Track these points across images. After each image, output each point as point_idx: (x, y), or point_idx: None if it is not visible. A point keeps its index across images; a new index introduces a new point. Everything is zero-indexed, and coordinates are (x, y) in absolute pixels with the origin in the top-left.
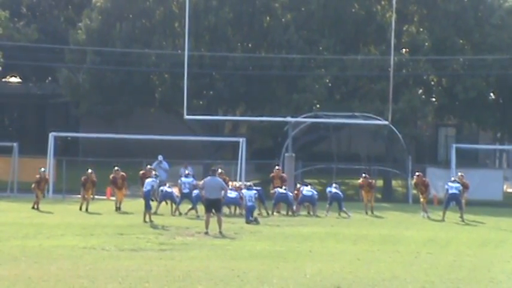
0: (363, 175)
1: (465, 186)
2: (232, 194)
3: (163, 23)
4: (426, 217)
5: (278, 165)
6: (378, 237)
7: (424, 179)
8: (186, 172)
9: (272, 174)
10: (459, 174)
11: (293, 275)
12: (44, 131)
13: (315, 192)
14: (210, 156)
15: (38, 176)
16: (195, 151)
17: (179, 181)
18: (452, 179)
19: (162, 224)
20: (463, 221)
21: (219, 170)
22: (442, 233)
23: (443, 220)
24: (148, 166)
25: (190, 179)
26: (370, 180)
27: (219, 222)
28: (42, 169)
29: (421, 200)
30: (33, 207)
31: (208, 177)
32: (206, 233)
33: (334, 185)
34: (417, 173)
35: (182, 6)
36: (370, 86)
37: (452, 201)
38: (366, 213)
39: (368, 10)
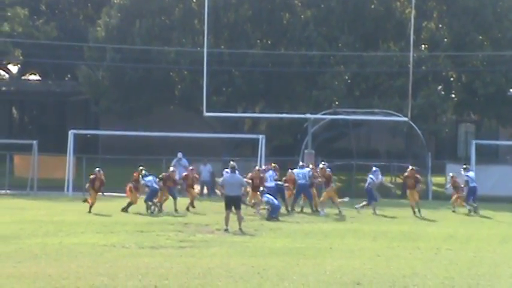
0: (410, 167)
1: (457, 186)
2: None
3: (183, 20)
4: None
5: (291, 169)
6: (398, 234)
7: (416, 174)
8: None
9: (285, 178)
10: (451, 174)
11: (313, 272)
12: (63, 128)
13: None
14: (229, 153)
15: (92, 176)
16: (215, 148)
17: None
18: (464, 166)
19: (182, 221)
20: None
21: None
22: (462, 229)
23: (475, 212)
24: (172, 168)
25: (150, 177)
26: (417, 175)
27: (239, 219)
28: (97, 169)
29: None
30: (85, 201)
31: (228, 174)
32: (226, 230)
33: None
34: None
35: (201, 3)
36: (390, 83)
37: (473, 194)
38: (414, 213)
39: (387, 6)
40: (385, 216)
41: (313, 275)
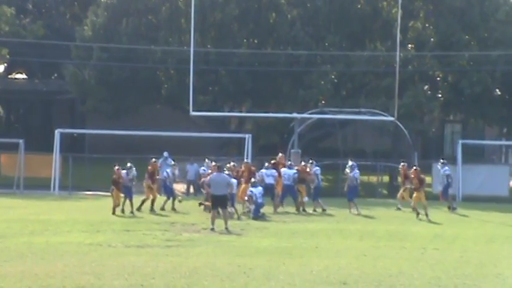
0: (414, 167)
1: (406, 177)
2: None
3: (169, 19)
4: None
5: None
6: (384, 233)
7: (421, 175)
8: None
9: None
10: (401, 164)
11: (299, 271)
12: (50, 127)
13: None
14: (216, 152)
15: (114, 176)
16: (201, 147)
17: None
18: (442, 161)
19: (168, 221)
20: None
21: (231, 163)
22: (449, 229)
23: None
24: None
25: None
26: (422, 176)
27: (225, 219)
28: (116, 167)
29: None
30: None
31: (214, 174)
32: (212, 229)
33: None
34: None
35: (188, 2)
36: (376, 82)
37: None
38: (417, 215)
39: (374, 6)
40: (371, 217)
41: (300, 274)
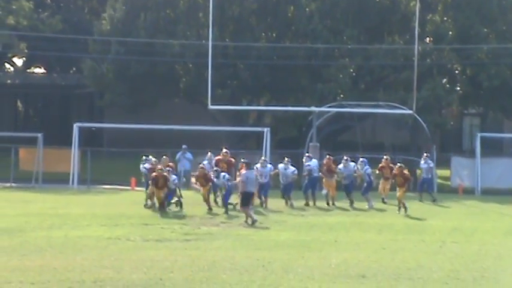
0: (398, 165)
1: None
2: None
3: (188, 12)
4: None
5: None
6: (402, 227)
7: (404, 171)
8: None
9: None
10: (384, 157)
11: (318, 265)
12: (68, 121)
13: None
14: (234, 146)
15: (154, 174)
16: (219, 141)
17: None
18: (426, 154)
19: (186, 214)
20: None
21: (224, 150)
22: (467, 222)
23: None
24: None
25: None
26: (405, 172)
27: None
28: (159, 166)
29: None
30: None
31: (247, 171)
32: (255, 221)
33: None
34: (385, 157)
35: None
36: (395, 76)
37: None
38: (399, 208)
39: None
40: (390, 211)
41: (318, 267)
